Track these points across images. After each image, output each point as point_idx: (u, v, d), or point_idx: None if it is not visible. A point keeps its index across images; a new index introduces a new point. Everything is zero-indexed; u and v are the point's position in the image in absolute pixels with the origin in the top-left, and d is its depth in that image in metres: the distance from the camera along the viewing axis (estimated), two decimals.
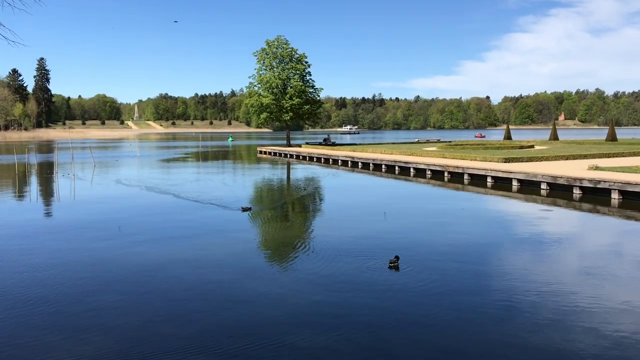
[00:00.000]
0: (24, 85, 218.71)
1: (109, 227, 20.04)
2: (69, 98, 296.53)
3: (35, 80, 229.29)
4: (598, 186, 25.95)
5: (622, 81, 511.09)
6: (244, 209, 23.03)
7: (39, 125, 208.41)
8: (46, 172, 44.87)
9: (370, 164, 45.16)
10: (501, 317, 10.27)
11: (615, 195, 25.04)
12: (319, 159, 54.70)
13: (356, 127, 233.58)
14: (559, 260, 14.86)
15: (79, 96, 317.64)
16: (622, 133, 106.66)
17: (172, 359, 8.67)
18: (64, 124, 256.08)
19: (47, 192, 32.48)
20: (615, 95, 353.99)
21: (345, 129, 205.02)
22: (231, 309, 10.98)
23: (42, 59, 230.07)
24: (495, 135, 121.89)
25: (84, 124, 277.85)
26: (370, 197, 28.99)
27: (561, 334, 9.44)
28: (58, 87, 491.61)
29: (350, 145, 68.65)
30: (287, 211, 24.89)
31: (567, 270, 13.78)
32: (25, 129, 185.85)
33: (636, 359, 8.47)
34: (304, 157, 58.53)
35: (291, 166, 51.60)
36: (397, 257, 14.04)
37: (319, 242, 17.50)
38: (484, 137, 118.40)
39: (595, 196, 25.97)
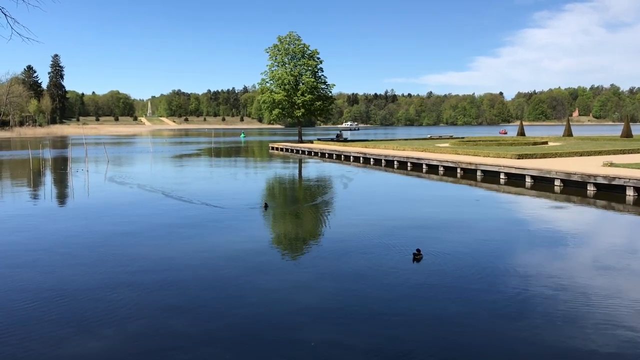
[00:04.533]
0: (39, 81, 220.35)
1: (123, 222, 20.20)
2: (82, 94, 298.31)
3: (49, 77, 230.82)
4: (613, 183, 25.69)
5: (638, 76, 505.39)
6: (266, 206, 23.13)
7: (53, 121, 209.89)
8: (60, 168, 45.28)
9: (383, 161, 45.07)
10: (514, 313, 10.21)
11: (630, 192, 24.78)
12: (330, 155, 54.67)
13: (356, 123, 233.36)
14: (573, 256, 14.75)
15: (93, 92, 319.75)
16: (637, 129, 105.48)
17: (184, 352, 8.73)
18: (78, 120, 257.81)
19: (61, 188, 32.77)
20: (631, 90, 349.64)
21: (345, 126, 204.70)
22: (242, 303, 11.02)
23: (56, 55, 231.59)
24: (512, 131, 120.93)
25: (97, 120, 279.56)
26: (382, 193, 28.94)
27: (574, 330, 9.37)
28: (72, 83, 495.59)
29: (362, 142, 68.61)
30: (299, 207, 24.92)
31: (580, 266, 13.68)
32: (40, 125, 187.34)
33: None
34: (316, 154, 58.52)
35: (303, 162, 51.64)
36: (418, 250, 14.15)
37: (331, 237, 17.54)
38: (506, 133, 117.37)
39: (609, 193, 25.72)
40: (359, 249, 15.52)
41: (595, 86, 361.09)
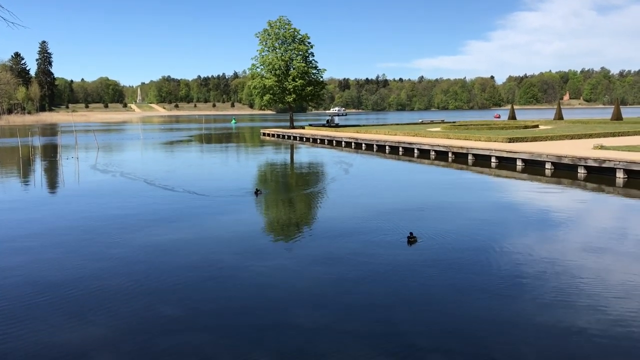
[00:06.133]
0: (27, 68, 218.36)
1: (114, 210, 20.12)
2: (71, 81, 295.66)
3: (37, 64, 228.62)
4: (603, 165, 25.84)
5: (628, 60, 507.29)
6: (257, 192, 22.87)
7: (42, 109, 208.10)
8: (50, 155, 44.96)
9: (374, 145, 45.06)
10: (506, 296, 10.29)
11: (620, 175, 24.93)
12: (322, 141, 54.58)
13: (343, 109, 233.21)
14: (564, 239, 14.85)
15: (82, 79, 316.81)
16: (627, 112, 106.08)
17: (177, 338, 8.74)
18: (67, 107, 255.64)
19: (51, 175, 32.55)
20: (621, 74, 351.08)
21: (333, 111, 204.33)
22: (235, 289, 11.04)
23: (44, 42, 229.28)
24: (505, 115, 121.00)
25: (87, 107, 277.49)
26: (374, 178, 28.96)
27: (566, 312, 9.45)
28: (61, 70, 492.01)
29: (354, 127, 68.52)
30: (292, 193, 24.92)
31: (571, 249, 13.77)
32: (29, 113, 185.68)
33: None
34: (308, 139, 58.41)
35: (295, 148, 51.55)
36: (411, 233, 14.30)
37: (324, 222, 17.59)
38: (500, 117, 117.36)
39: (600, 175, 25.87)
40: (351, 233, 15.55)
41: (586, 69, 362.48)
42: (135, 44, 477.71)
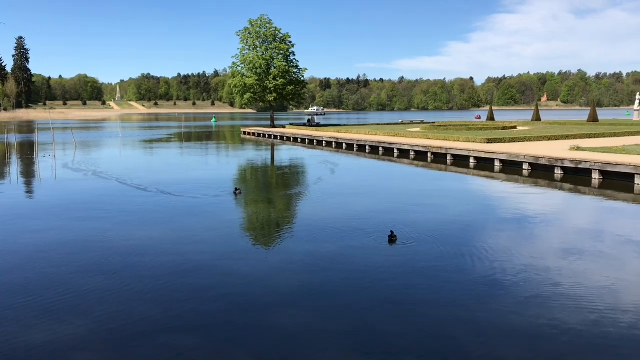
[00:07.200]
0: (3, 64, 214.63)
1: (90, 210, 19.88)
2: (49, 78, 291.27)
3: (14, 60, 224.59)
4: (579, 166, 26.22)
5: (604, 63, 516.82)
6: (236, 191, 22.60)
7: (18, 105, 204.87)
8: (27, 153, 44.28)
9: (355, 145, 45.17)
10: (483, 296, 10.38)
11: (595, 176, 25.33)
12: (303, 140, 54.55)
13: (322, 108, 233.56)
14: (541, 239, 15.05)
15: (60, 76, 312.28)
16: (603, 114, 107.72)
17: (154, 340, 8.68)
18: (45, 104, 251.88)
19: (27, 173, 32.05)
20: (597, 76, 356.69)
21: (312, 110, 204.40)
22: (214, 289, 10.98)
23: (20, 38, 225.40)
24: (484, 116, 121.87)
25: (65, 104, 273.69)
26: (355, 178, 29.03)
27: (543, 312, 9.56)
28: (38, 66, 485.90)
29: (335, 126, 68.58)
30: (272, 193, 24.88)
31: (548, 249, 13.95)
32: (5, 110, 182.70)
33: (616, 335, 8.64)
34: (288, 138, 58.32)
35: (275, 147, 51.45)
36: (392, 232, 14.44)
37: (304, 223, 17.58)
38: (480, 118, 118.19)
39: (576, 176, 26.26)
40: (331, 233, 15.57)
41: (564, 71, 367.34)
42: (115, 41, 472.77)
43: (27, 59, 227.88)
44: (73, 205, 20.75)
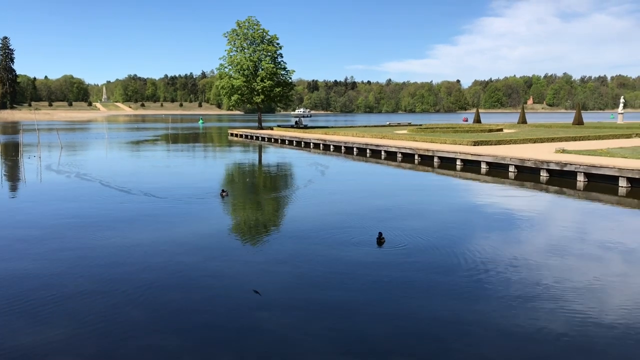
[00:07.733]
0: None
1: (76, 212, 19.72)
2: (34, 79, 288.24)
3: None
4: (564, 169, 26.45)
5: (589, 66, 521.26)
6: (223, 193, 22.45)
7: (3, 106, 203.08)
8: (11, 154, 43.80)
9: (342, 147, 45.21)
10: (469, 297, 10.43)
11: (580, 178, 25.58)
12: (290, 142, 54.51)
13: (308, 110, 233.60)
14: (526, 241, 15.15)
15: (45, 77, 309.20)
16: (588, 117, 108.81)
17: (141, 342, 8.62)
18: (30, 105, 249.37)
19: (11, 175, 31.73)
20: (582, 79, 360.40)
21: (298, 112, 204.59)
22: (201, 291, 10.93)
23: (5, 38, 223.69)
24: (471, 119, 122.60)
25: (50, 105, 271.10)
26: (342, 180, 29.06)
27: (529, 313, 9.64)
28: (23, 67, 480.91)
29: (322, 128, 68.58)
30: (259, 195, 24.82)
31: (534, 250, 14.05)
32: None
33: (600, 335, 8.72)
34: (276, 140, 58.26)
35: (263, 149, 51.36)
36: (380, 234, 14.47)
37: (290, 225, 17.57)
38: (467, 120, 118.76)
39: (561, 179, 26.48)
40: (318, 235, 15.57)
41: (549, 75, 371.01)
42: (101, 41, 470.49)
43: (12, 60, 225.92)
44: (57, 208, 20.55)
